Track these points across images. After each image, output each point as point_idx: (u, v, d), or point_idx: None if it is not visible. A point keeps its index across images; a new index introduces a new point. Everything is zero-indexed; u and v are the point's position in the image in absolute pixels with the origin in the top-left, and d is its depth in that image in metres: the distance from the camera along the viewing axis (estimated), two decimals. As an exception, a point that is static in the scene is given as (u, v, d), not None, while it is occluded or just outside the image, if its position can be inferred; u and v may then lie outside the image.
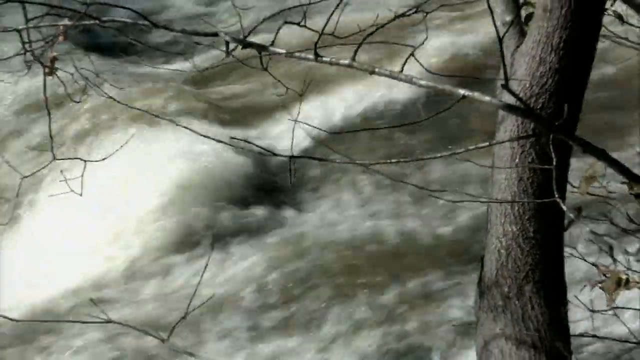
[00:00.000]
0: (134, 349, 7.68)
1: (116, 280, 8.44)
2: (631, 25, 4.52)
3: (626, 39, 4.64)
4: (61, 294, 8.34)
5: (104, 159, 5.31)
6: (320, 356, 7.50)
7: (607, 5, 4.18)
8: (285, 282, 8.14)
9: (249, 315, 7.92)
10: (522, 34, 4.18)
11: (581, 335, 4.60)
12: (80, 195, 4.80)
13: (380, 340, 7.50)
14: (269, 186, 9.16)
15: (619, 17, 4.36)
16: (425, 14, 3.77)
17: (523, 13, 4.27)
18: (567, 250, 4.30)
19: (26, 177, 8.39)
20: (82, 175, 4.63)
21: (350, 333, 7.61)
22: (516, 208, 4.16)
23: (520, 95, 3.82)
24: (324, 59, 3.36)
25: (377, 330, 7.58)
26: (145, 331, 4.51)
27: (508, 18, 4.22)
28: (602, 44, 4.16)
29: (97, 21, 3.58)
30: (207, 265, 5.61)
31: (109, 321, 4.06)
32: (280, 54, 3.42)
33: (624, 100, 9.50)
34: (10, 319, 5.56)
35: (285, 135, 9.10)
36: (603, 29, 4.17)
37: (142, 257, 8.59)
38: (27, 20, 3.92)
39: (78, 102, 4.67)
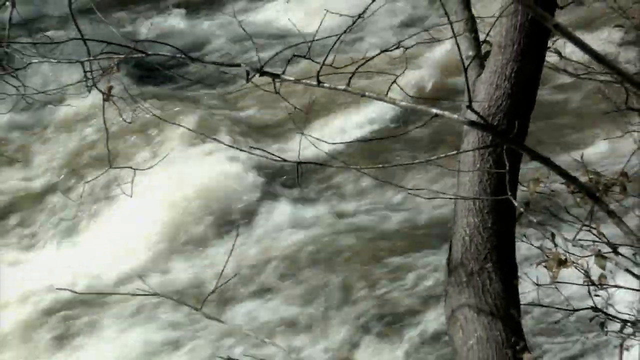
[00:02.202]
0: (173, 316, 7.69)
1: (160, 262, 8.45)
2: (567, 59, 4.53)
3: (565, 69, 4.65)
4: (115, 272, 8.35)
5: (149, 168, 5.29)
6: (322, 319, 7.50)
7: (549, 43, 4.19)
8: (293, 262, 8.15)
9: (267, 289, 7.93)
10: (482, 66, 4.19)
11: (529, 304, 4.61)
12: (130, 196, 4.78)
13: (369, 308, 7.50)
14: (281, 186, 9.16)
15: (558, 53, 4.38)
16: (404, 50, 3.78)
17: (482, 49, 4.28)
18: (518, 237, 4.31)
19: (87, 182, 8.43)
20: (132, 181, 4.63)
21: (346, 302, 7.61)
22: (477, 204, 4.17)
23: (481, 114, 3.83)
24: (325, 85, 3.36)
25: (367, 299, 7.58)
26: (183, 302, 4.51)
27: (471, 53, 4.24)
28: (545, 73, 4.18)
29: (144, 54, 3.59)
30: (232, 248, 5.62)
31: (153, 294, 4.07)
32: (289, 80, 3.42)
33: (564, 116, 9.51)
34: (73, 292, 5.59)
35: (294, 145, 9.11)
36: (546, 61, 4.18)
37: (181, 242, 8.60)
38: (89, 54, 3.93)
39: (129, 122, 4.66)
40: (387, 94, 3.41)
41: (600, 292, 4.29)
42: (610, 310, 4.38)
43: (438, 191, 5.22)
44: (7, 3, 4.39)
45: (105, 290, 7.99)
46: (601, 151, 8.28)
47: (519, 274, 4.28)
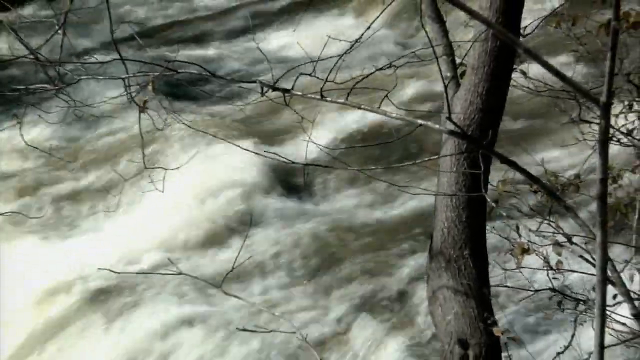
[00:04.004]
0: (197, 293, 7.68)
1: (186, 247, 8.44)
2: (532, 78, 4.52)
3: (528, 87, 4.65)
4: (148, 255, 8.35)
5: (178, 168, 5.29)
6: (323, 298, 7.49)
7: (515, 65, 4.19)
8: (299, 250, 8.13)
9: (277, 272, 7.92)
10: (458, 85, 4.19)
11: (498, 285, 4.60)
12: (162, 192, 4.78)
13: (363, 289, 7.49)
14: (289, 185, 9.15)
15: (523, 73, 4.37)
16: (395, 69, 3.78)
17: (459, 70, 4.28)
18: (488, 229, 4.31)
19: (127, 180, 8.43)
20: (163, 178, 4.63)
21: (343, 284, 7.60)
22: (454, 201, 4.17)
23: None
24: (327, 98, 3.36)
25: (361, 282, 7.57)
26: (205, 280, 4.50)
27: (449, 74, 4.23)
28: (511, 89, 4.17)
29: (175, 72, 3.60)
30: (246, 237, 5.61)
31: (179, 273, 4.07)
32: (297, 95, 3.43)
33: (527, 127, 9.49)
34: (113, 272, 5.57)
35: (301, 150, 9.09)
36: (512, 80, 4.18)
37: (204, 232, 8.59)
38: (127, 72, 3.92)
39: (161, 130, 4.67)
40: (379, 106, 3.41)
41: (558, 276, 4.29)
42: (566, 291, 4.38)
43: (424, 189, 5.21)
44: (59, 32, 4.39)
45: (140, 271, 7.99)
46: (558, 157, 8.27)
47: (489, 260, 4.28)
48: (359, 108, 3.38)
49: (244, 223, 8.44)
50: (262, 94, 3.42)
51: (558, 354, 4.25)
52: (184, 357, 7.23)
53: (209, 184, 9.07)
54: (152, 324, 7.51)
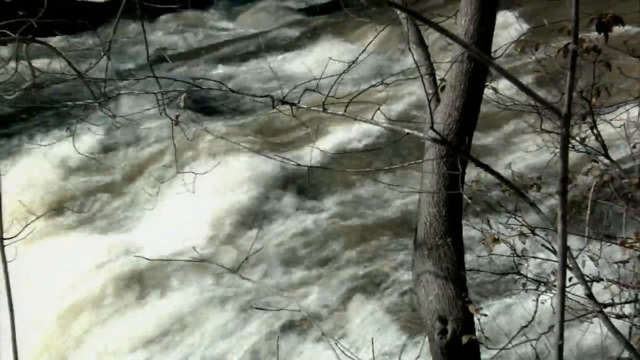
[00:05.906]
0: (216, 278, 7.67)
1: (207, 238, 8.43)
2: (501, 94, 4.51)
3: (498, 101, 4.64)
4: (177, 246, 8.34)
5: (206, 172, 5.30)
6: (324, 281, 7.49)
7: (487, 82, 4.19)
8: (304, 240, 8.13)
9: (285, 259, 7.91)
10: (439, 100, 4.19)
11: (472, 270, 4.60)
12: (193, 192, 4.80)
13: (359, 274, 7.48)
14: (297, 185, 9.13)
15: (494, 89, 4.37)
16: (386, 85, 3.78)
17: (439, 88, 4.27)
18: (464, 222, 4.31)
19: (162, 182, 8.43)
20: (194, 181, 4.65)
21: (341, 269, 7.60)
22: (435, 198, 4.16)
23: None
24: (328, 111, 3.37)
25: (357, 268, 7.56)
26: (223, 266, 4.50)
27: (431, 91, 4.23)
28: (483, 104, 4.16)
29: (200, 88, 3.61)
30: (259, 229, 5.60)
31: (202, 261, 4.08)
32: (303, 107, 3.44)
33: (497, 136, 9.48)
34: (146, 259, 5.58)
35: (306, 154, 9.08)
36: (485, 96, 4.17)
37: (224, 225, 8.58)
38: (160, 89, 3.93)
39: (191, 140, 4.67)
40: (372, 117, 3.41)
41: (522, 262, 4.29)
42: (530, 274, 4.37)
43: (411, 187, 5.22)
44: (104, 57, 4.40)
45: (170, 258, 8.00)
46: (523, 161, 8.27)
47: (464, 248, 4.28)
48: (355, 119, 3.38)
49: (258, 219, 8.44)
50: (274, 107, 3.43)
51: (522, 327, 4.24)
52: (207, 331, 7.24)
53: (229, 185, 9.07)
54: (180, 303, 7.51)
